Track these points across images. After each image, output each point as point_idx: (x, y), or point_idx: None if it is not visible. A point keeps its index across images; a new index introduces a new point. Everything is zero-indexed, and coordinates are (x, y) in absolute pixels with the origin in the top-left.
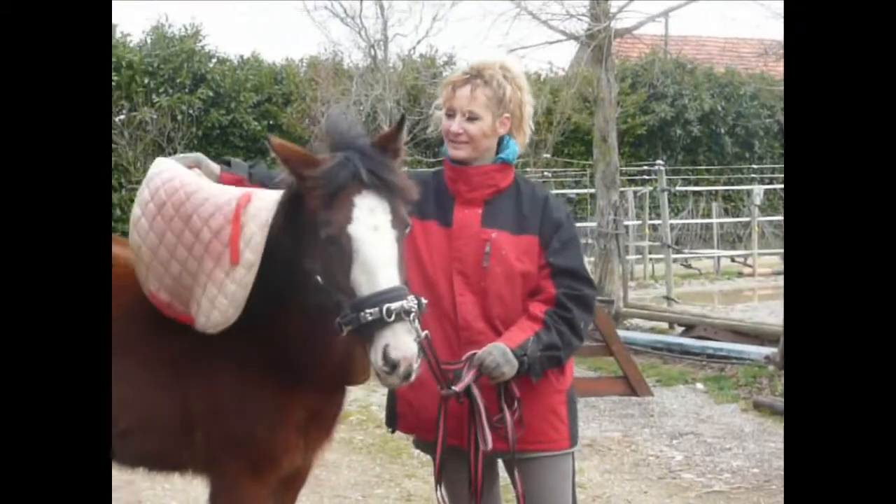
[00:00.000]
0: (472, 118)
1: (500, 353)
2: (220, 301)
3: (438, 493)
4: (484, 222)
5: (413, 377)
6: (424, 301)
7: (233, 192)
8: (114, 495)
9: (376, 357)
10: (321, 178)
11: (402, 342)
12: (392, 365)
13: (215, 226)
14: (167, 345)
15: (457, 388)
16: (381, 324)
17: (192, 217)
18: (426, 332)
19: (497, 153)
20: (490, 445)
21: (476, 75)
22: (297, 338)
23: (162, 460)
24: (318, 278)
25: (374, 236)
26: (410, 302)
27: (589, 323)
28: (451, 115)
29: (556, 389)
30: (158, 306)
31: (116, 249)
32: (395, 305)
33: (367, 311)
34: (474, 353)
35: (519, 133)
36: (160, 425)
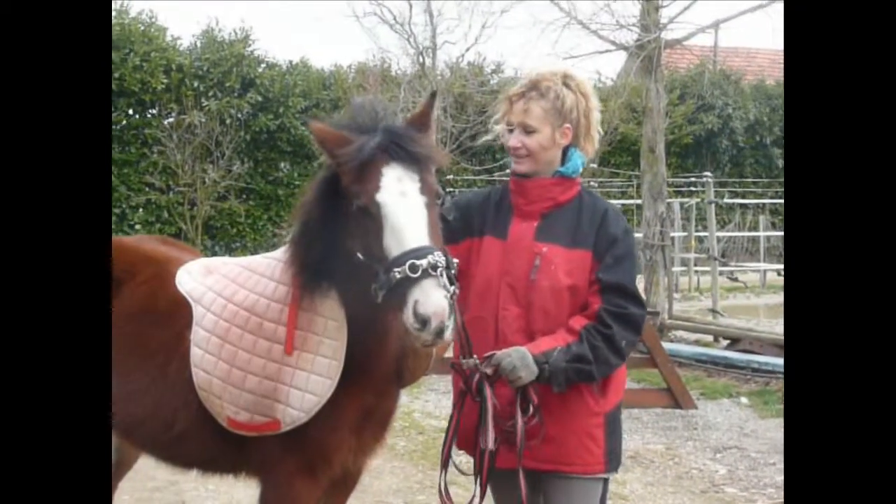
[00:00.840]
0: (529, 131)
1: (518, 357)
2: (314, 380)
3: (442, 479)
4: (537, 235)
5: (447, 334)
6: (455, 260)
7: (272, 273)
8: (158, 496)
9: (407, 315)
10: (351, 153)
11: (432, 297)
12: (422, 321)
13: (287, 318)
14: None
15: (480, 370)
16: (409, 282)
17: (262, 324)
18: (454, 286)
19: (562, 164)
20: (491, 445)
21: (532, 88)
22: (352, 335)
23: (216, 462)
24: (359, 255)
25: (401, 201)
26: (437, 257)
27: (633, 342)
28: (510, 128)
29: (593, 412)
30: (237, 428)
31: (174, 253)
32: (421, 261)
33: (396, 270)
34: (493, 354)
35: (587, 141)
36: (215, 427)
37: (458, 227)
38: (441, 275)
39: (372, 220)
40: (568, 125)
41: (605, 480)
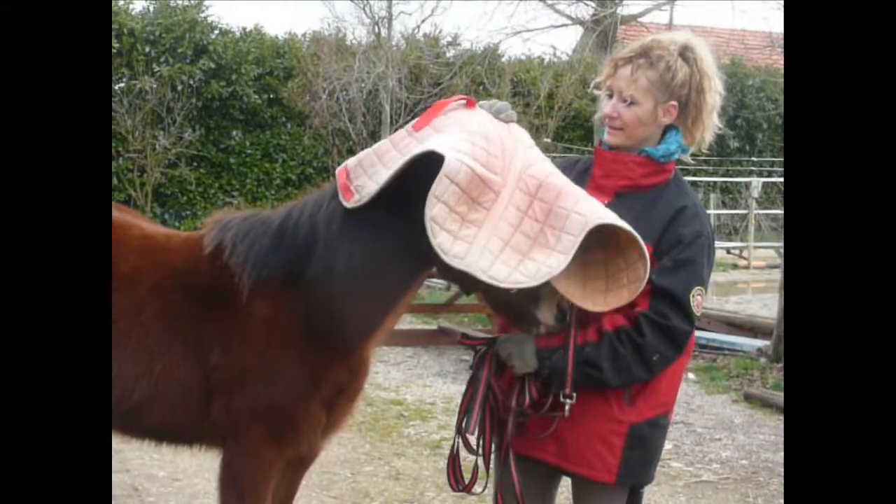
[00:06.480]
0: (629, 102)
1: (517, 345)
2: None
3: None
4: None
5: None
6: None
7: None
8: None
9: (551, 308)
10: None
11: None
12: (564, 312)
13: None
14: (187, 315)
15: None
16: None
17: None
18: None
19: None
20: (471, 430)
21: (641, 54)
22: (356, 314)
23: (177, 432)
24: None
25: None
26: None
27: (668, 359)
28: (609, 94)
29: (615, 419)
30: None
31: (130, 219)
32: None
33: None
34: (505, 336)
35: (696, 125)
36: (177, 395)
37: None
38: None
39: None
40: (674, 102)
41: (637, 494)
